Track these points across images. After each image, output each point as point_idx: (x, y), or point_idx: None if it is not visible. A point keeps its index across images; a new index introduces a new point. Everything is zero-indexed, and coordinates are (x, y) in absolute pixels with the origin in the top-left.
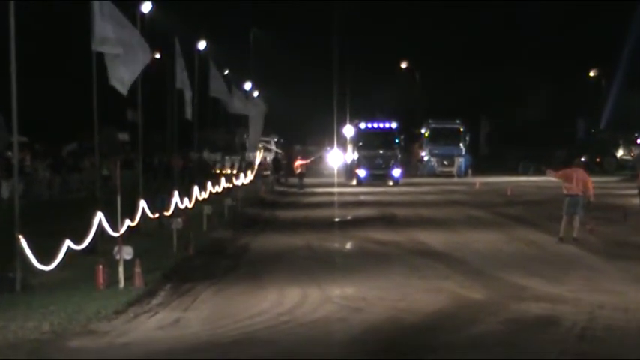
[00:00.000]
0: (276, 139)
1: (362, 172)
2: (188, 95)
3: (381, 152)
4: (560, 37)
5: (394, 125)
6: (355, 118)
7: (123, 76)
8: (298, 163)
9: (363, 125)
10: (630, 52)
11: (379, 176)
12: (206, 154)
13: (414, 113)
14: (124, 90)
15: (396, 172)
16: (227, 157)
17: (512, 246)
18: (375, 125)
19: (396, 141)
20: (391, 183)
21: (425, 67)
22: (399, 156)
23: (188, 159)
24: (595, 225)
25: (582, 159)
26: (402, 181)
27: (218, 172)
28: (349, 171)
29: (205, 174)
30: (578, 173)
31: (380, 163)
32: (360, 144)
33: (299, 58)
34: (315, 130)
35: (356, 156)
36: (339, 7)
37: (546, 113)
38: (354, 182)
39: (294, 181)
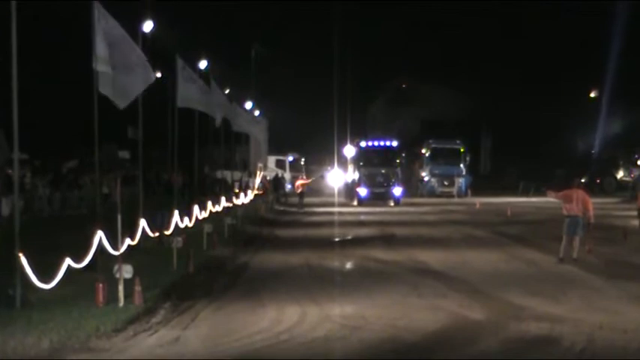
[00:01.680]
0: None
1: (362, 191)
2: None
3: (381, 170)
4: (561, 55)
5: (395, 143)
6: (356, 137)
7: (123, 90)
8: (299, 182)
9: (363, 143)
10: (630, 73)
11: (380, 194)
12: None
13: (414, 132)
14: (121, 104)
15: (397, 191)
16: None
17: (512, 265)
18: (376, 143)
19: (397, 160)
20: (392, 203)
21: (426, 85)
22: (400, 175)
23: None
24: (593, 245)
25: (582, 180)
26: (402, 200)
27: (237, 190)
28: (350, 190)
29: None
30: (579, 194)
31: (381, 181)
32: (361, 162)
33: (299, 78)
34: (316, 149)
35: (357, 175)
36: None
37: (546, 132)
38: (355, 202)
39: (294, 200)
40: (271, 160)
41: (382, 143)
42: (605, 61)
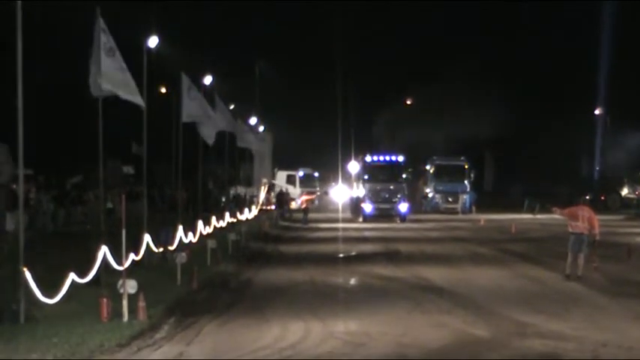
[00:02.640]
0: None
1: (368, 207)
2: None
3: (387, 186)
4: (566, 74)
5: (401, 158)
6: (361, 153)
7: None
8: (303, 198)
9: (369, 158)
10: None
11: (385, 210)
12: (235, 189)
13: (419, 149)
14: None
15: (403, 207)
16: (232, 191)
17: (516, 283)
18: (382, 158)
19: (404, 175)
20: (398, 220)
21: (430, 102)
22: (407, 190)
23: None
24: (600, 262)
25: (587, 197)
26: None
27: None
28: (355, 206)
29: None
30: (584, 211)
31: (386, 196)
32: (366, 177)
33: (303, 94)
34: (320, 165)
35: (362, 191)
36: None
37: (550, 150)
38: (361, 219)
39: (298, 216)
40: (282, 175)
41: (388, 158)
42: (611, 79)
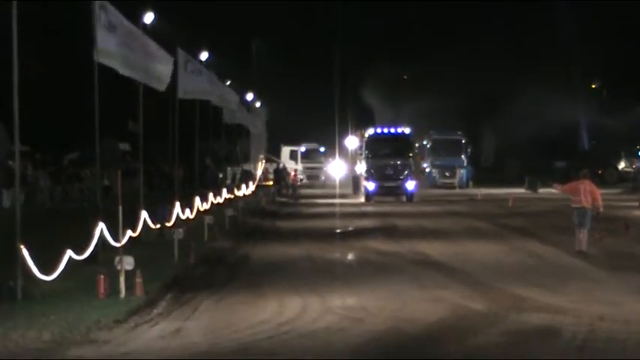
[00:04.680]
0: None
1: (370, 185)
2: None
3: (392, 161)
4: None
5: (407, 130)
6: (359, 128)
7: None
8: (291, 174)
9: (371, 131)
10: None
11: (390, 189)
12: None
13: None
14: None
15: (410, 185)
16: (229, 168)
17: (513, 257)
18: (386, 130)
19: (410, 149)
20: (404, 198)
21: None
22: (414, 166)
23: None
24: (604, 234)
25: (588, 170)
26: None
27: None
28: (356, 184)
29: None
30: (586, 185)
31: (391, 173)
32: (369, 153)
33: (300, 69)
34: (317, 140)
35: (364, 167)
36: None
37: (547, 124)
38: (363, 198)
39: (303, 192)
40: (286, 151)
41: (393, 130)
42: (608, 53)
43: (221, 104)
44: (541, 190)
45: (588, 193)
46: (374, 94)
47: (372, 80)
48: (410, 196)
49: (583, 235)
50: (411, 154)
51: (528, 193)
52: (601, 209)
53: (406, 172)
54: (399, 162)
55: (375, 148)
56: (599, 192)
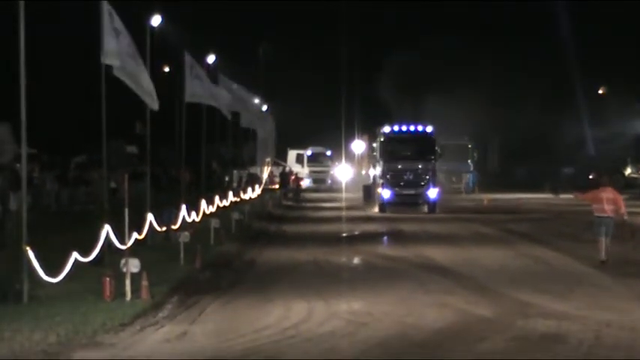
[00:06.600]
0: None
1: (386, 193)
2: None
3: (412, 165)
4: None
5: (429, 129)
6: (368, 130)
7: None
8: (293, 178)
9: (388, 129)
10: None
11: (409, 197)
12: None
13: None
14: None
15: (432, 193)
16: (235, 171)
17: (519, 262)
18: (405, 128)
19: (433, 151)
20: (426, 209)
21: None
22: (436, 172)
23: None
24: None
25: (608, 176)
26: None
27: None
28: (368, 192)
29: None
30: (608, 192)
31: (410, 178)
32: (385, 154)
33: (307, 73)
34: (323, 144)
35: (379, 171)
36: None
37: (554, 130)
38: (377, 209)
39: (307, 196)
40: (292, 154)
41: (413, 129)
42: (615, 59)
43: (235, 109)
44: (543, 195)
45: (611, 201)
46: (391, 83)
47: (389, 68)
48: (432, 206)
49: (602, 245)
50: (433, 157)
51: (535, 198)
52: (625, 217)
53: (428, 177)
54: (420, 166)
55: (391, 150)
56: (621, 199)
